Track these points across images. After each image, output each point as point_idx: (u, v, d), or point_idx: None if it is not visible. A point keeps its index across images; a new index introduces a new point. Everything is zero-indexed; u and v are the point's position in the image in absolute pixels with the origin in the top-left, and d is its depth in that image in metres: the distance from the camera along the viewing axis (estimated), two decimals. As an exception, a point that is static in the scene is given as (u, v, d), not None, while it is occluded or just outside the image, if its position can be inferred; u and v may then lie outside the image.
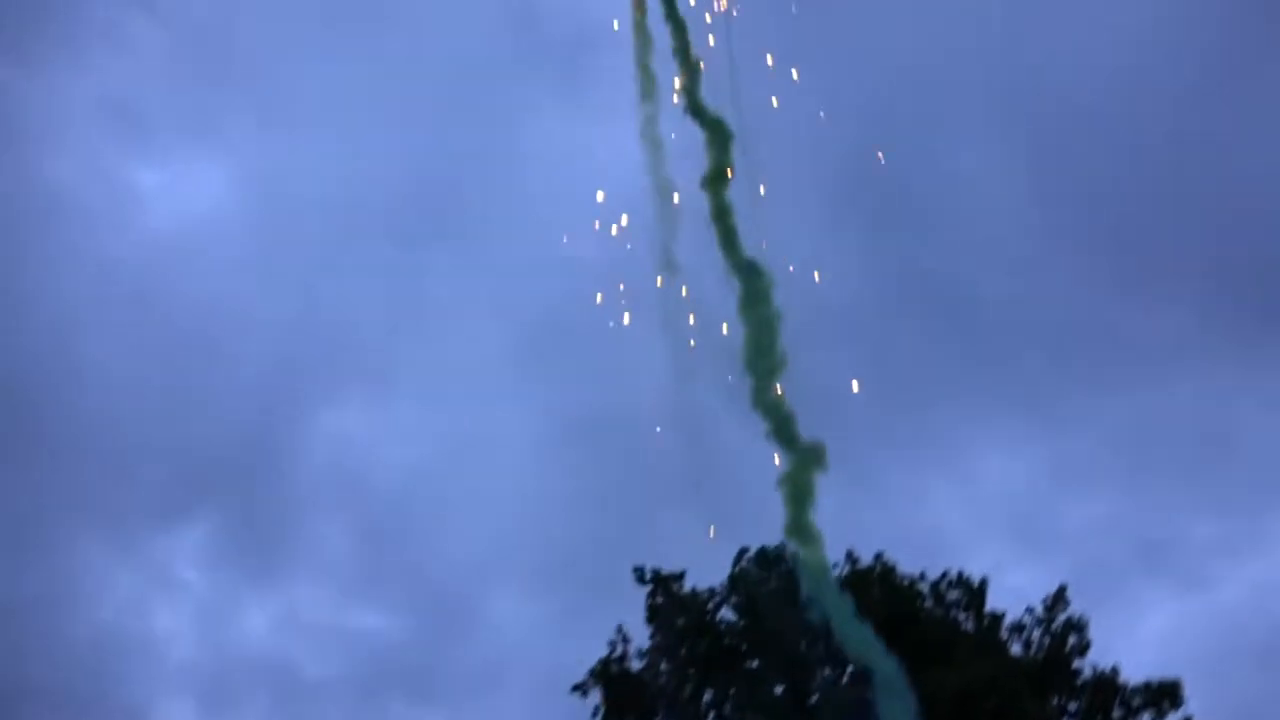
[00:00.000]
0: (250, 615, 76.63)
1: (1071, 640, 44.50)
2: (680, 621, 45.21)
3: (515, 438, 74.79)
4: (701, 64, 55.68)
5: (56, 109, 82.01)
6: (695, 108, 51.13)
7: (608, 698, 44.47)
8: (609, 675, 44.74)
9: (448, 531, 75.46)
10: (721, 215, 49.35)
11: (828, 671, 43.40)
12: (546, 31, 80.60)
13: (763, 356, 41.35)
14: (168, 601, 75.83)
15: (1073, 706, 43.79)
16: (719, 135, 49.43)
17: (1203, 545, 71.40)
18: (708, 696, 44.18)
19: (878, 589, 45.21)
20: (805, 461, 36.96)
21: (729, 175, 51.26)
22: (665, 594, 45.92)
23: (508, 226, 78.65)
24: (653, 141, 59.81)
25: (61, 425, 73.30)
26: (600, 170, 76.13)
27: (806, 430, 37.69)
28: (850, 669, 42.27)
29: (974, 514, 68.75)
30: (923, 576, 46.13)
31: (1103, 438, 72.56)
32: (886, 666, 37.48)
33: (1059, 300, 70.67)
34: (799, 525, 37.11)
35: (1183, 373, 71.77)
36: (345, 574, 76.29)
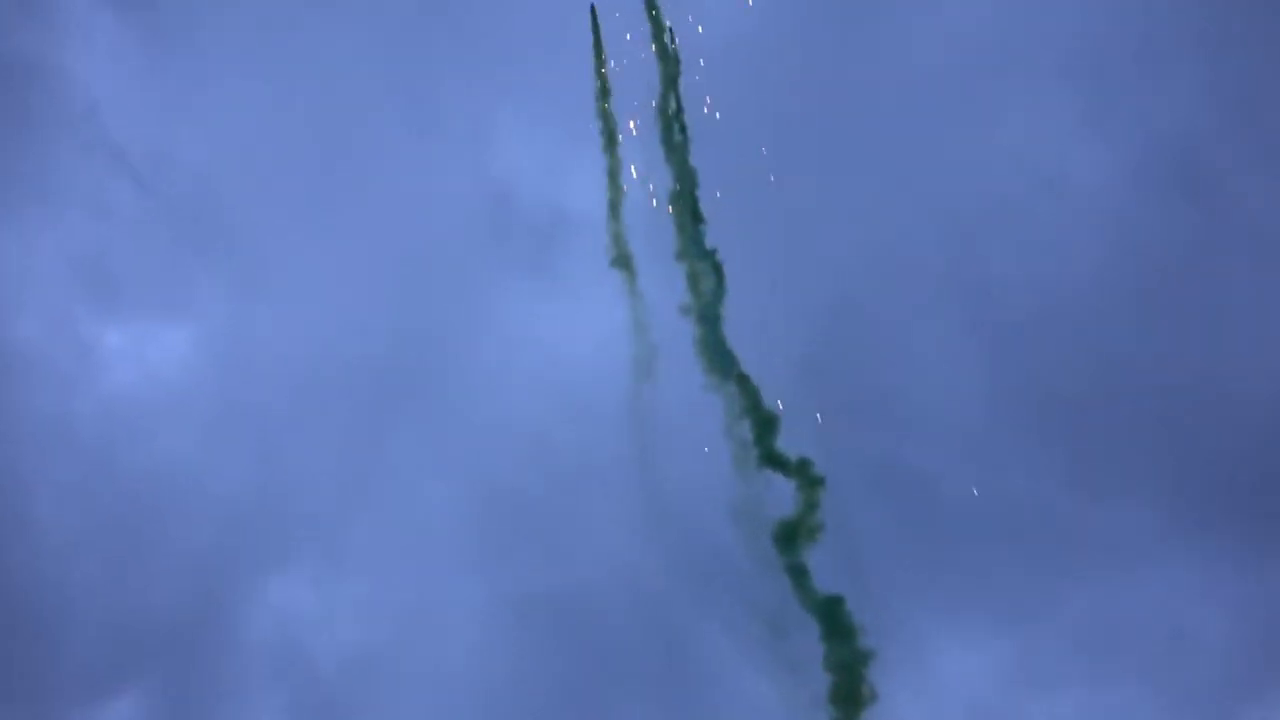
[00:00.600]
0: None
1: None
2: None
3: (468, 615, 73.59)
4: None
5: (29, 264, 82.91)
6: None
7: None
8: None
9: (388, 710, 73.17)
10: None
11: None
12: (520, 213, 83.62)
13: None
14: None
15: None
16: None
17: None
18: None
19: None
20: None
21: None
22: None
23: (471, 404, 79.56)
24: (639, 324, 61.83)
25: (-2, 591, 71.58)
26: (567, 351, 78.86)
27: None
28: None
29: (934, 712, 67.50)
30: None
31: (1065, 634, 72.40)
32: None
33: (1021, 495, 71.06)
34: None
35: (1146, 570, 72.22)
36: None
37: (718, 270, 61.52)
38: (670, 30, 62.25)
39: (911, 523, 69.06)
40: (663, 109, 62.16)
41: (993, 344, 73.14)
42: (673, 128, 62.06)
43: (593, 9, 62.36)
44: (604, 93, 62.91)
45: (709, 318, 60.95)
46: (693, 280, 62.25)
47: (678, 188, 61.17)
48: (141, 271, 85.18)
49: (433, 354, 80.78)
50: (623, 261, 62.16)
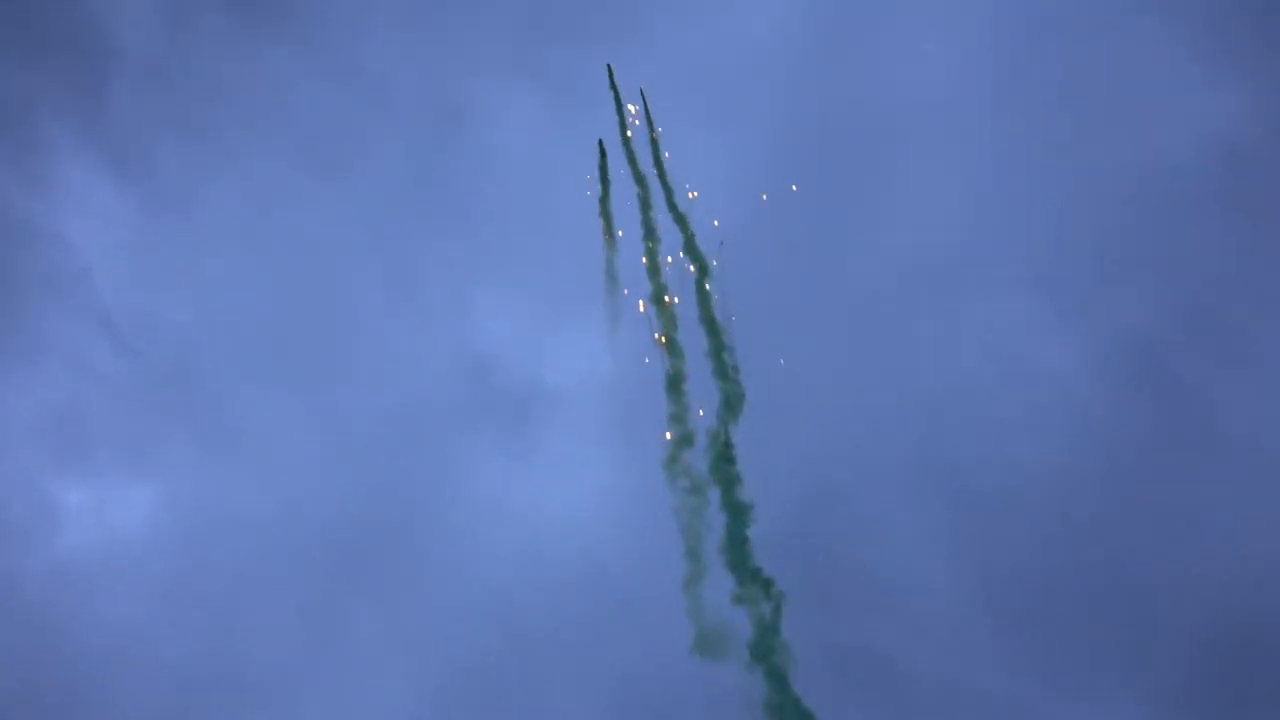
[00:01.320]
0: None
1: None
2: None
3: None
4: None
5: (1, 419, 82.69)
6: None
7: None
8: None
9: None
10: None
11: None
12: (498, 385, 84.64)
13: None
14: None
15: None
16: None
17: None
18: None
19: None
20: None
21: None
22: None
23: (437, 575, 78.44)
24: None
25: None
26: (539, 522, 78.52)
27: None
28: None
29: None
30: None
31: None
32: None
33: (988, 685, 70.12)
34: None
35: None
36: None
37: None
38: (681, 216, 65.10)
39: (877, 708, 67.87)
40: (656, 296, 64.18)
41: (960, 528, 73.58)
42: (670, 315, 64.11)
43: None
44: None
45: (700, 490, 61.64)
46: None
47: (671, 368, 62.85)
48: (112, 431, 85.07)
49: (401, 524, 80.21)
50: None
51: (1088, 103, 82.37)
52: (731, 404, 61.98)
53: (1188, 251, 79.87)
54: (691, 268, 64.05)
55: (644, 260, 64.23)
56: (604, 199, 64.63)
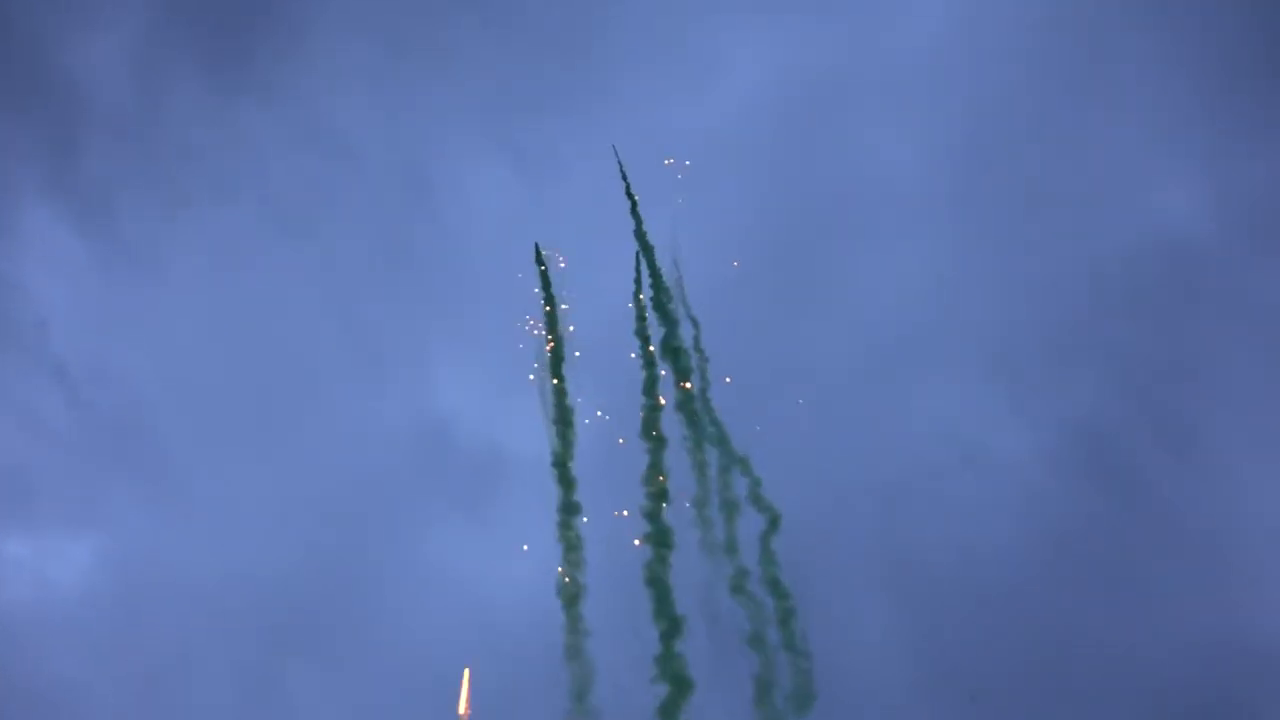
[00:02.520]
0: None
1: None
2: None
3: None
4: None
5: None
6: None
7: None
8: None
9: None
10: None
11: None
12: (453, 453, 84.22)
13: None
14: None
15: None
16: None
17: None
18: None
19: None
20: None
21: None
22: None
23: (383, 641, 76.95)
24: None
25: None
26: (492, 592, 77.46)
27: None
28: None
29: None
30: None
31: None
32: None
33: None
34: None
35: None
36: None
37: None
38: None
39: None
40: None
41: (911, 609, 73.77)
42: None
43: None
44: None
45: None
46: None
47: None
48: (56, 483, 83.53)
49: (349, 590, 78.83)
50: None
51: (1045, 195, 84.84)
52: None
53: (1140, 343, 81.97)
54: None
55: None
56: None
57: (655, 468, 63.48)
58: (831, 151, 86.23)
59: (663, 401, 64.83)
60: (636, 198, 67.00)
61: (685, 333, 66.16)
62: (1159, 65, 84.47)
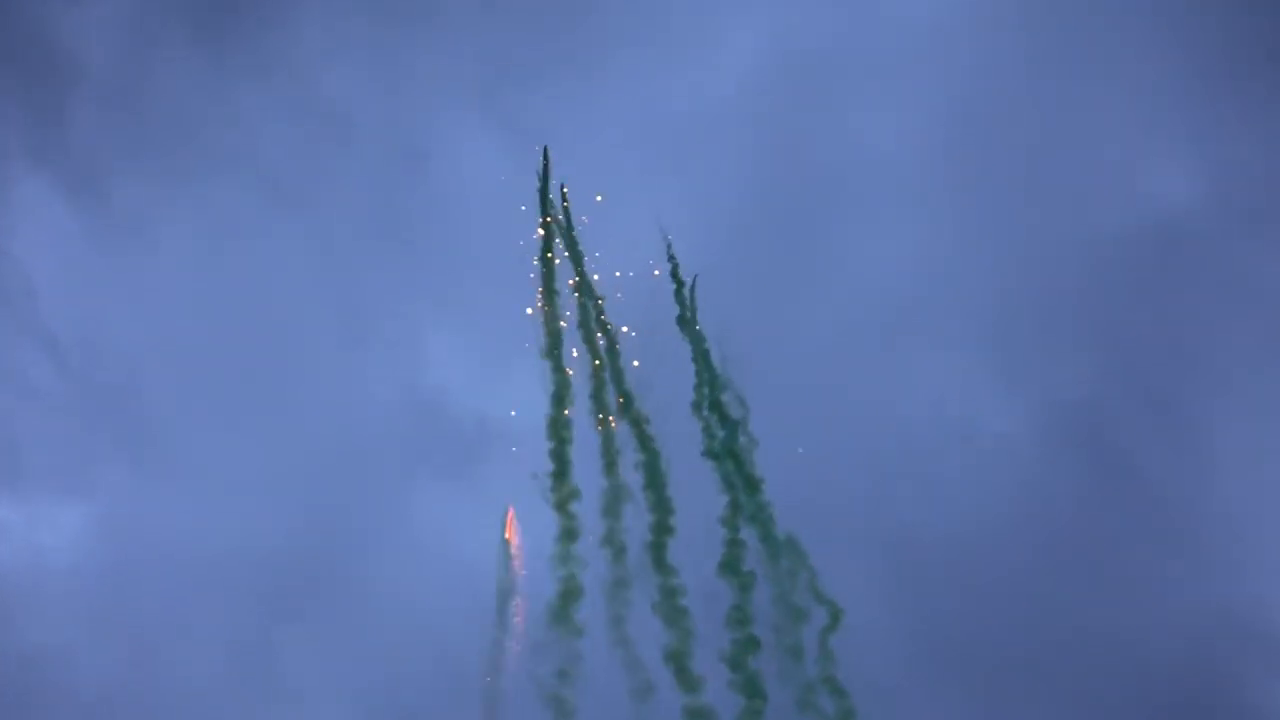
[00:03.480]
0: None
1: None
2: None
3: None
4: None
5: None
6: None
7: None
8: None
9: None
10: None
11: None
12: (445, 423, 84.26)
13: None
14: None
15: None
16: None
17: None
18: None
19: None
20: None
21: None
22: None
23: (374, 610, 77.25)
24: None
25: None
26: (484, 566, 77.63)
27: None
28: None
29: None
30: None
31: None
32: None
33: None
34: None
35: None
36: None
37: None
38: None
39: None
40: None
41: (901, 582, 74.05)
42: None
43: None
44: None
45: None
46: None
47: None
48: (47, 451, 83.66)
49: (340, 558, 79.15)
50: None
51: (1041, 172, 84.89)
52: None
53: (1134, 322, 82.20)
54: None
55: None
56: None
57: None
58: (824, 126, 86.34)
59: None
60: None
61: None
62: (1156, 43, 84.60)
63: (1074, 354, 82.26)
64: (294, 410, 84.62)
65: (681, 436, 64.85)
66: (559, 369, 64.91)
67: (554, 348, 65.21)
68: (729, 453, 63.82)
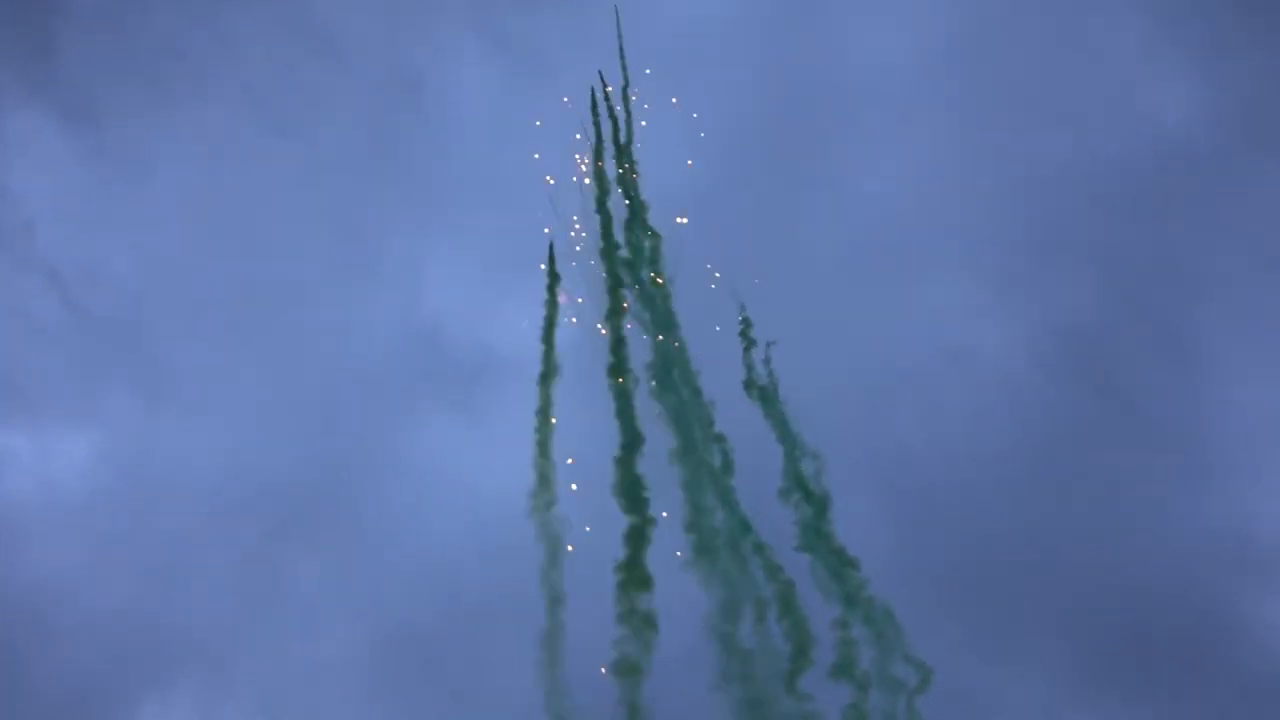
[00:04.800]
0: None
1: None
2: None
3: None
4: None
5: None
6: None
7: None
8: None
9: None
10: None
11: None
12: (448, 352, 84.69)
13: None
14: None
15: None
16: None
17: None
18: None
19: None
20: None
21: None
22: None
23: (380, 537, 78.33)
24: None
25: None
26: (484, 490, 78.57)
27: None
28: None
29: None
30: None
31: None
32: None
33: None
34: None
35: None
36: None
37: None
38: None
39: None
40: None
41: (901, 508, 74.76)
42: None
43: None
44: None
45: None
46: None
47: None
48: (54, 381, 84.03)
49: (345, 485, 79.96)
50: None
51: (1039, 93, 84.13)
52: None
53: (1132, 243, 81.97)
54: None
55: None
56: None
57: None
58: (822, 48, 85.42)
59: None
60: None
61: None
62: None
63: (1072, 275, 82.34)
64: (296, 336, 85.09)
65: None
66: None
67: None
68: None
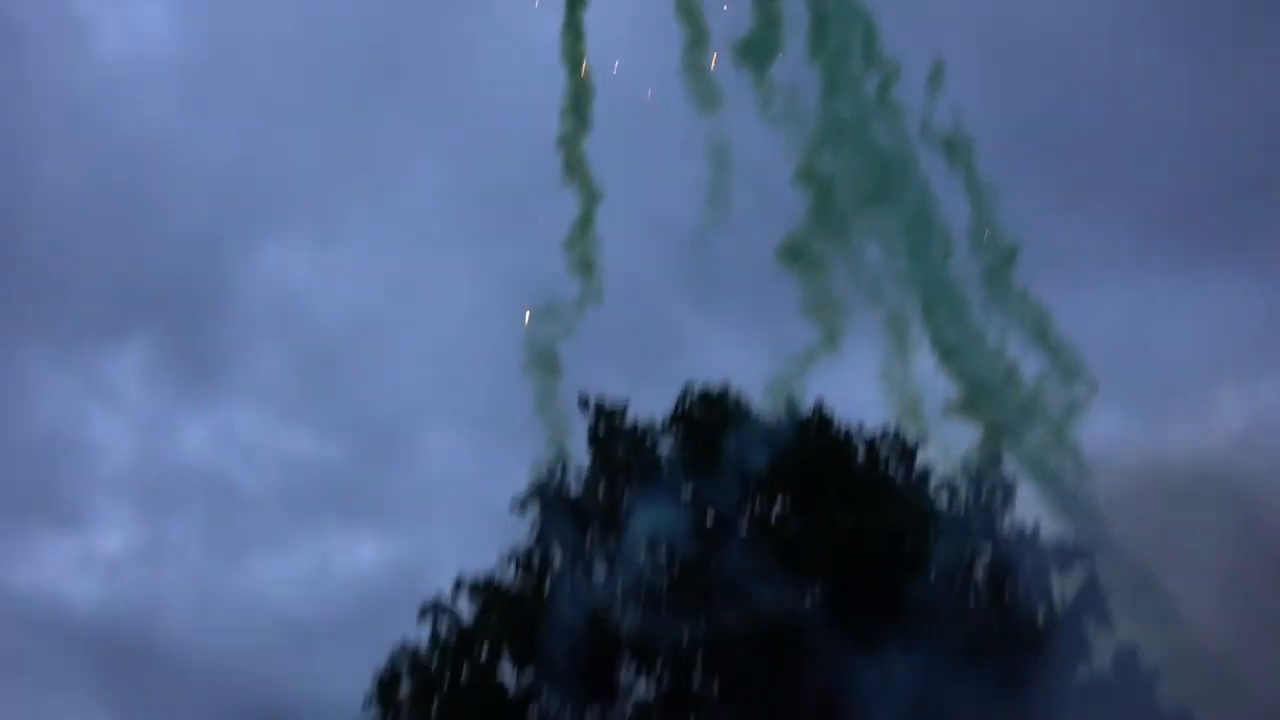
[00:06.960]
0: (188, 430, 78.20)
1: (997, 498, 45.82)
2: (620, 451, 46.28)
3: (459, 287, 74.52)
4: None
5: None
6: None
7: (545, 516, 45.36)
8: (547, 494, 45.66)
9: (386, 367, 75.39)
10: None
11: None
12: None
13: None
14: (107, 412, 77.40)
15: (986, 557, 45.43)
16: None
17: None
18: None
19: (814, 437, 46.62)
20: None
21: None
22: (607, 424, 46.89)
23: (467, 92, 78.32)
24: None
25: (5, 240, 73.81)
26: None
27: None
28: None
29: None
30: (860, 428, 47.35)
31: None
32: None
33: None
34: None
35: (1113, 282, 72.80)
36: (284, 398, 76.64)
37: None
38: None
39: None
40: None
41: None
42: None
43: None
44: None
45: None
46: None
47: None
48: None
49: (430, 43, 79.08)
50: None
51: None
52: None
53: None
54: None
55: None
56: None
57: None
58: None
59: None
60: None
61: None
62: None
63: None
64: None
65: None
66: None
67: None
68: None
